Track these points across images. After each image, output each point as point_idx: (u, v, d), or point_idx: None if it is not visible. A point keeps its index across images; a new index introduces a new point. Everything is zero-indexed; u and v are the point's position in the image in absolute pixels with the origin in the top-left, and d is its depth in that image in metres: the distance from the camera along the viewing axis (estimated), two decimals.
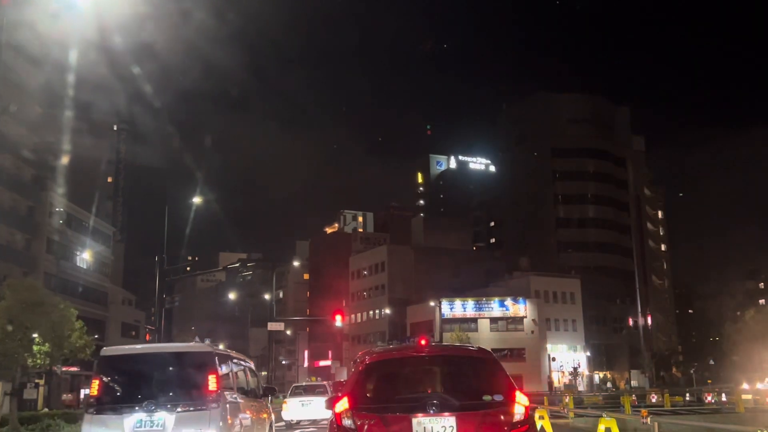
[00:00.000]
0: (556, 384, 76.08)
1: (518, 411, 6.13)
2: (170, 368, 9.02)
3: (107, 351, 9.40)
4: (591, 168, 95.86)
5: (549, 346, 78.73)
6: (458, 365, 6.75)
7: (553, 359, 75.94)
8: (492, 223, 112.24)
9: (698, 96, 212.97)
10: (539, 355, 76.86)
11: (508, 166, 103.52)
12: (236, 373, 10.20)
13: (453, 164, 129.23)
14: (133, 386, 8.78)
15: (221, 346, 13.15)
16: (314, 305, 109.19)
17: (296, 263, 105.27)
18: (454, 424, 6.00)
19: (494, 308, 78.16)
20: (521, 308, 77.91)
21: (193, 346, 9.80)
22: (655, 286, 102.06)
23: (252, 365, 11.74)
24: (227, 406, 8.86)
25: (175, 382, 8.91)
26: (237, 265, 26.94)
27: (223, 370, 9.26)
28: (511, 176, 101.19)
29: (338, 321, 46.93)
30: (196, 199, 27.43)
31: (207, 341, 12.81)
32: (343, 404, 6.23)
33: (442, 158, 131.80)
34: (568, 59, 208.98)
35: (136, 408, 8.47)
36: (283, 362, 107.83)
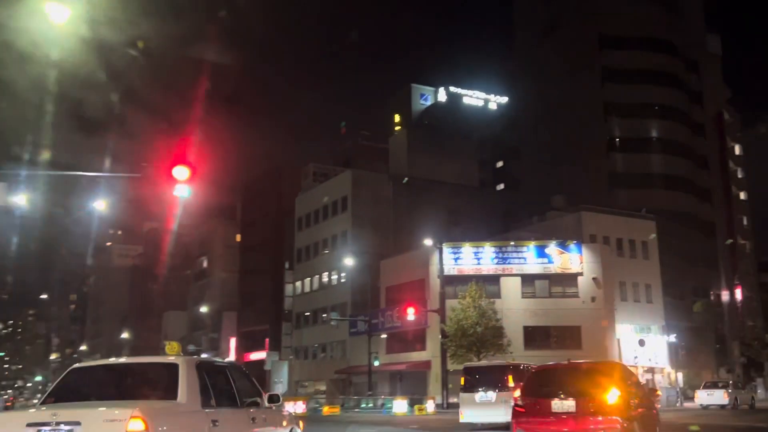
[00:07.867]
0: None
1: (611, 399, 10.55)
2: (496, 373, 20.76)
3: (468, 365, 24.51)
4: (654, 66, 64.36)
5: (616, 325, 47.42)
6: (576, 371, 11.84)
7: (641, 342, 43.84)
8: (500, 163, 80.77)
9: None
10: (604, 337, 45.45)
11: (531, 70, 71.05)
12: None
13: (442, 97, 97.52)
14: (477, 380, 20.41)
15: None
16: (248, 274, 76.87)
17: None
18: (574, 404, 10.68)
19: (528, 259, 46.59)
20: (574, 259, 46.44)
21: (498, 362, 25.16)
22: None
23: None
24: (504, 391, 19.33)
25: (496, 380, 20.02)
26: None
27: (514, 375, 19.76)
28: (536, 84, 69.11)
29: (180, 177, 15.07)
30: None
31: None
32: (518, 392, 11.86)
33: (428, 90, 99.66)
34: None
35: (479, 390, 19.99)
36: (203, 355, 75.03)
